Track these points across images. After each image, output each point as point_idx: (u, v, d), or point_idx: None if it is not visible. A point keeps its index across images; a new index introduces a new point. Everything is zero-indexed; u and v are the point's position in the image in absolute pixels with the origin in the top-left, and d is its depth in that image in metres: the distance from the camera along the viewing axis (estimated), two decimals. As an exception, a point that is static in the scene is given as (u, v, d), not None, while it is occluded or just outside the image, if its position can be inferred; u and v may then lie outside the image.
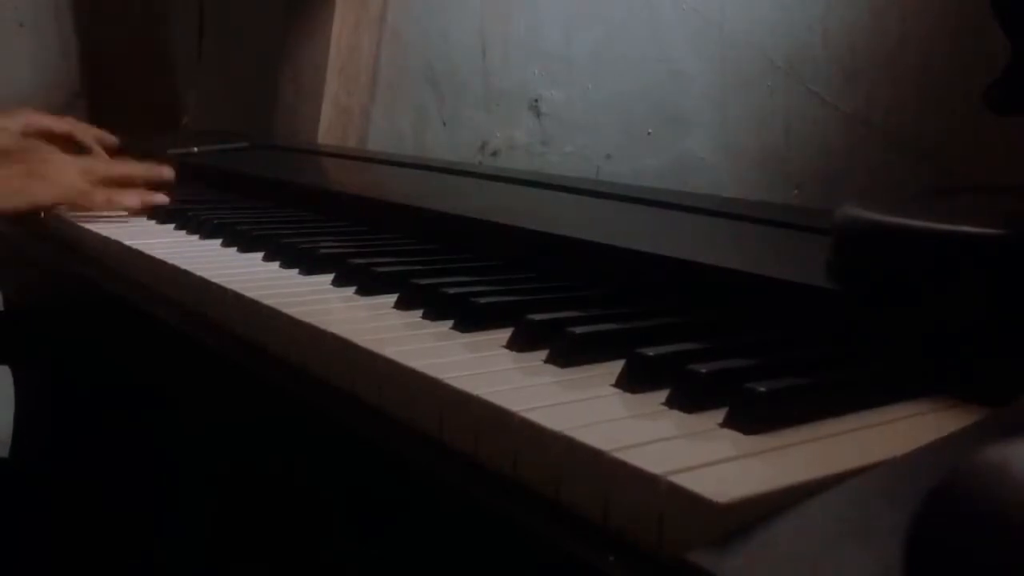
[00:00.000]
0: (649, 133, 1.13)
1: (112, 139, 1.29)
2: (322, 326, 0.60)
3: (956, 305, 0.47)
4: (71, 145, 1.22)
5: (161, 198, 1.05)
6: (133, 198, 1.03)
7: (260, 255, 0.84)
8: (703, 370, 0.46)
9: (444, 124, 1.45)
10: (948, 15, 0.84)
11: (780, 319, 0.55)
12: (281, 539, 0.68)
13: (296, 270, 0.78)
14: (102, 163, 1.11)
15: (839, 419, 0.44)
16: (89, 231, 0.97)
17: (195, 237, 0.95)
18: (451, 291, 0.64)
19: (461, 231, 0.82)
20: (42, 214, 1.02)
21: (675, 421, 0.44)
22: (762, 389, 0.43)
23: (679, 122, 1.09)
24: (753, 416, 0.42)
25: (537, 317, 0.56)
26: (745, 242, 0.77)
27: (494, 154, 1.35)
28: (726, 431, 0.43)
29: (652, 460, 0.38)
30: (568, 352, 0.52)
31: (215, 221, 0.97)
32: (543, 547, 0.40)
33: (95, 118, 1.96)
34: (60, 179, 0.98)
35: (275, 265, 0.81)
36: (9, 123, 1.31)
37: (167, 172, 1.09)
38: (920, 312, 0.48)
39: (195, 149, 1.48)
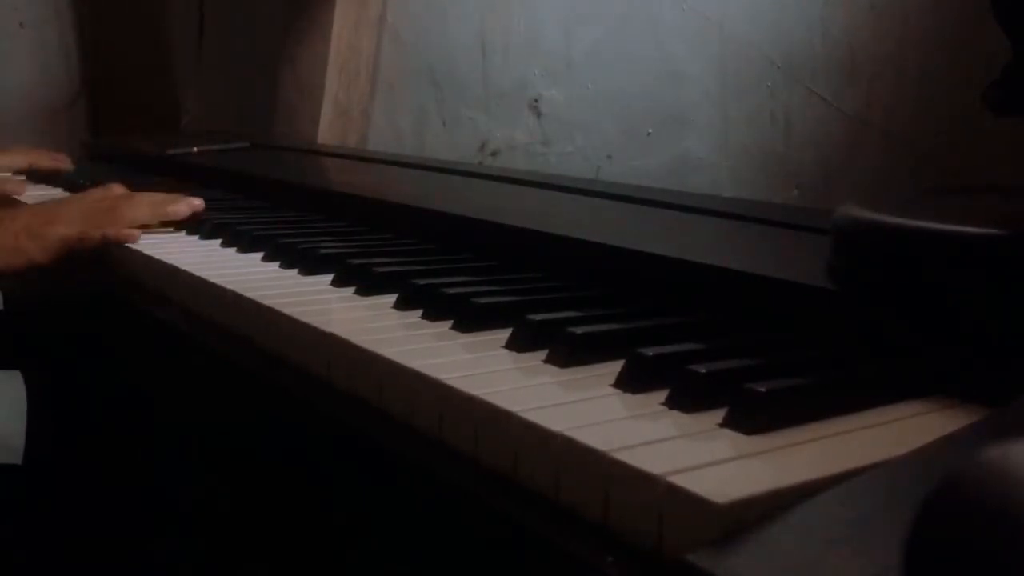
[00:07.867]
0: (649, 133, 1.13)
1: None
2: (322, 326, 0.60)
3: (956, 305, 0.47)
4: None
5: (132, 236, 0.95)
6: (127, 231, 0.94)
7: (260, 255, 0.84)
8: (703, 370, 0.46)
9: (444, 124, 1.45)
10: (948, 16, 0.84)
11: (780, 319, 0.55)
12: (281, 539, 0.68)
13: (296, 270, 0.78)
14: (117, 202, 1.01)
15: (839, 419, 0.44)
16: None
17: (195, 237, 0.95)
18: (450, 291, 0.64)
19: (461, 231, 0.82)
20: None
21: (675, 421, 0.44)
22: (762, 389, 0.43)
23: (679, 122, 1.09)
24: (753, 416, 0.42)
25: (537, 317, 0.56)
26: (745, 242, 0.77)
27: (494, 154, 1.35)
28: (726, 431, 0.42)
29: (652, 460, 0.38)
30: (568, 352, 0.52)
31: (215, 221, 0.97)
32: (543, 547, 0.40)
33: (95, 118, 1.97)
34: (55, 235, 0.95)
35: (275, 265, 0.81)
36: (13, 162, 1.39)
37: (197, 203, 1.01)
38: (920, 312, 0.48)
39: (195, 149, 1.48)
